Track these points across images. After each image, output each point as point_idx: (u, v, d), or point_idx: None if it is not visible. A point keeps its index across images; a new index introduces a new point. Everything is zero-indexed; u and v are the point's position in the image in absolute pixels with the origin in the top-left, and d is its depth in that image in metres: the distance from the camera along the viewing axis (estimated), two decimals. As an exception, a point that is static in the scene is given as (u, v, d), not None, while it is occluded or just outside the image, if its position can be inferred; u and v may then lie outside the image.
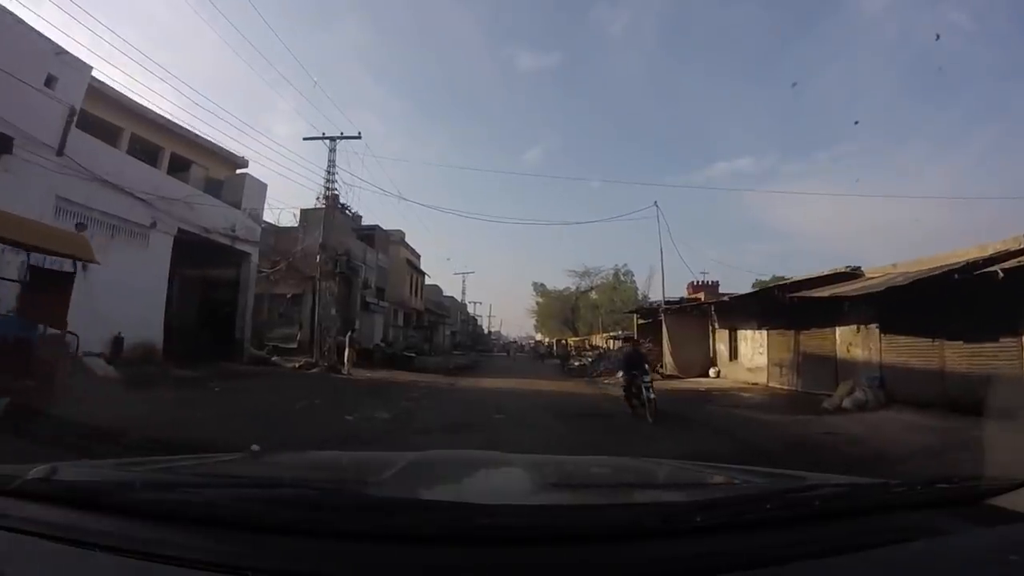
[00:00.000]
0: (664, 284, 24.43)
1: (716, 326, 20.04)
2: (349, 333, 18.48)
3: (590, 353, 31.29)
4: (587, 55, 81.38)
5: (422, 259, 40.31)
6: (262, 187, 18.88)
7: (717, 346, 20.02)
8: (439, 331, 45.59)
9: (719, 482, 1.63)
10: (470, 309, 69.47)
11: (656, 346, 21.21)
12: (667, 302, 22.81)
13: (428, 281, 42.79)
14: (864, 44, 67.67)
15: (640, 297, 47.58)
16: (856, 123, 59.49)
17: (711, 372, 19.50)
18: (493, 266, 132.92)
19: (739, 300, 18.44)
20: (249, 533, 0.84)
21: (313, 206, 20.80)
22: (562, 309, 53.61)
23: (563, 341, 48.67)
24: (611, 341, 37.20)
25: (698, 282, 30.19)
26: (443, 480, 1.57)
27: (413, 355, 23.29)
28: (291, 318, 21.26)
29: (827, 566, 0.83)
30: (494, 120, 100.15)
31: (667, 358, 20.44)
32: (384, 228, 32.63)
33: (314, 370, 16.84)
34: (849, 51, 70.31)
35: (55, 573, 0.78)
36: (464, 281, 65.51)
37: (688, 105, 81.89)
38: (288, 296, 21.13)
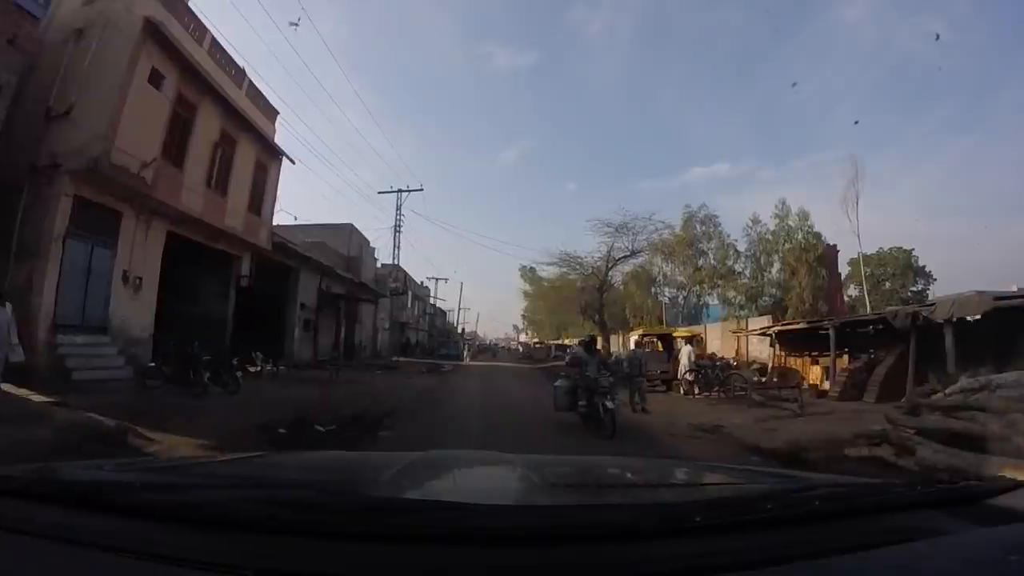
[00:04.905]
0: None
1: None
2: None
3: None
4: (564, 55, 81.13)
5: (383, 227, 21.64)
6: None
7: None
8: (356, 316, 26.20)
9: (719, 482, 1.64)
10: (431, 293, 45.97)
11: None
12: None
13: (336, 216, 22.21)
14: (843, 52, 66.55)
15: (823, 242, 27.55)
16: (856, 123, 58.97)
17: None
18: (468, 249, 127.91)
19: None
20: (249, 533, 0.84)
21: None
22: (570, 296, 33.04)
23: (650, 341, 17.88)
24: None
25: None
26: (443, 480, 1.57)
27: None
28: None
29: (827, 566, 0.83)
30: (470, 118, 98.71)
31: None
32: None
33: None
34: (828, 59, 69.31)
35: (55, 573, 0.78)
36: (400, 200, 32.71)
37: (665, 108, 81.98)
38: None
